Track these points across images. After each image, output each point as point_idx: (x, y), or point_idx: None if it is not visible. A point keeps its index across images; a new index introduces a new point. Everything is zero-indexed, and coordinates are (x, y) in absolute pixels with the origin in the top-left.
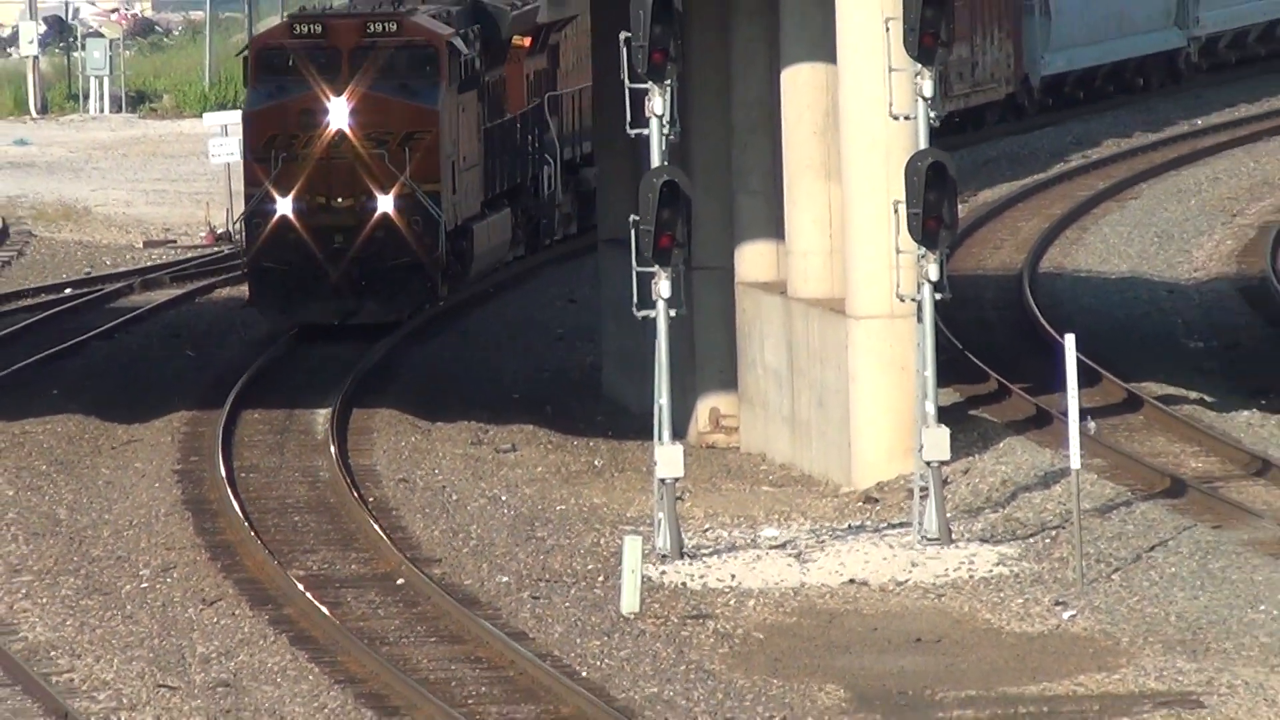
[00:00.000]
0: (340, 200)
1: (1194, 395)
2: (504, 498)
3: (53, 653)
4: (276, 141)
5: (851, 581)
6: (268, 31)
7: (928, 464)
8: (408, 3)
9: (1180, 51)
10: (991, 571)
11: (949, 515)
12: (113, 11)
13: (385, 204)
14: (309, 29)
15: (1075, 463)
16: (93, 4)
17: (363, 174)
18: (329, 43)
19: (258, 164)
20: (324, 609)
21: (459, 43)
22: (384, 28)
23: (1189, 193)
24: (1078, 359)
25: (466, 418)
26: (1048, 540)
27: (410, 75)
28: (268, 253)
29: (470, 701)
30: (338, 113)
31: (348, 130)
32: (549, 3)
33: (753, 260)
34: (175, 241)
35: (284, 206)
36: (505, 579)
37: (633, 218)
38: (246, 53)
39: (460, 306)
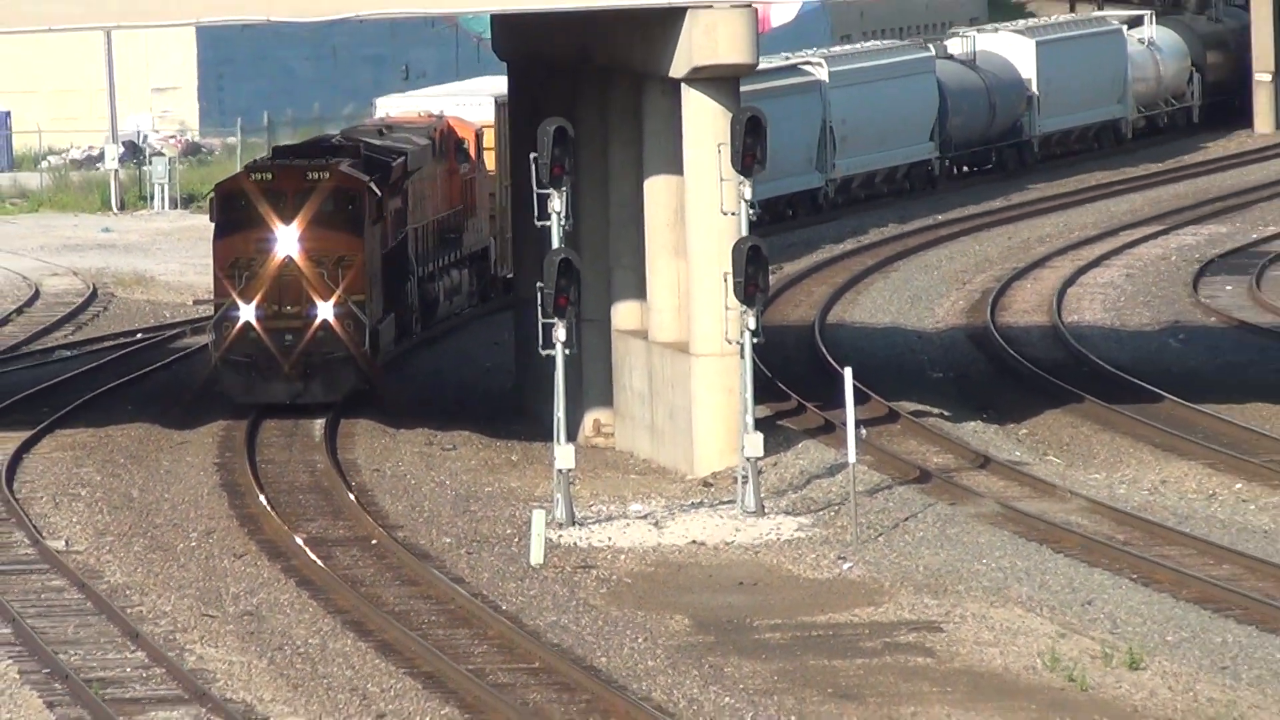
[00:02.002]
0: (290, 308)
1: (936, 410)
2: (447, 482)
3: (128, 592)
4: (239, 263)
5: (694, 542)
6: (230, 178)
7: (747, 459)
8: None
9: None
10: (792, 535)
11: (762, 496)
12: (170, 137)
13: (325, 311)
14: (262, 176)
15: (852, 458)
16: (156, 132)
17: (307, 288)
18: (278, 186)
19: (224, 280)
20: (320, 561)
21: (374, 187)
22: (320, 175)
23: (932, 267)
24: (853, 384)
25: (422, 426)
26: (832, 513)
27: (340, 212)
28: (233, 349)
29: (424, 626)
30: (286, 240)
31: (294, 254)
32: (412, 155)
33: (624, 314)
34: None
35: (247, 313)
36: (448, 540)
37: (539, 284)
38: (213, 194)
39: (409, 353)
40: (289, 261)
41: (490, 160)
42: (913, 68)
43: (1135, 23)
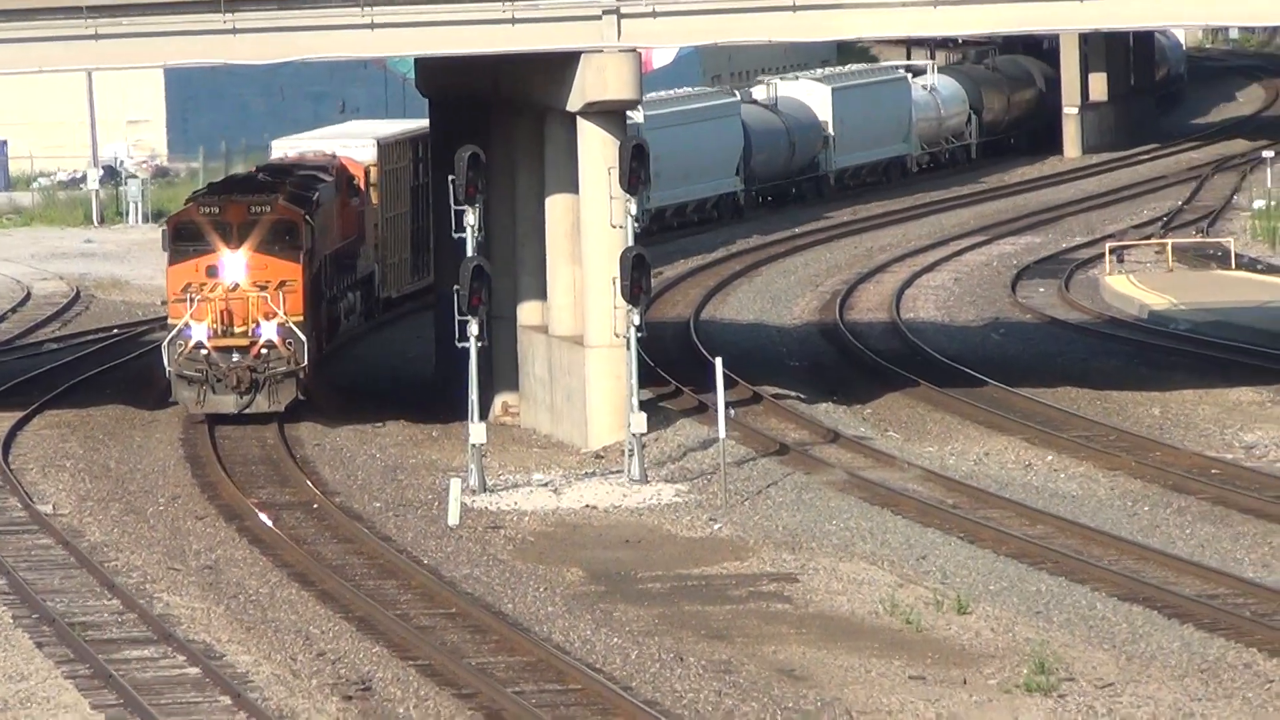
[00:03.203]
0: (237, 328)
1: (793, 393)
2: (378, 455)
3: (105, 548)
4: (190, 288)
5: (587, 506)
6: (180, 211)
7: (633, 435)
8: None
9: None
10: (671, 500)
11: (646, 466)
12: (143, 162)
13: (269, 331)
14: (210, 210)
15: (722, 434)
16: (131, 157)
17: (252, 310)
18: (224, 218)
19: (177, 303)
20: (269, 522)
21: (309, 218)
22: (262, 209)
23: (790, 272)
24: (723, 371)
25: (357, 409)
26: (705, 481)
27: (281, 241)
28: (186, 365)
29: (357, 577)
30: (233, 267)
31: (241, 279)
32: (321, 190)
33: (528, 312)
34: None
35: (199, 333)
36: (378, 504)
37: (455, 287)
38: (165, 227)
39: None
40: (235, 286)
41: (374, 195)
42: (720, 111)
43: (919, 71)
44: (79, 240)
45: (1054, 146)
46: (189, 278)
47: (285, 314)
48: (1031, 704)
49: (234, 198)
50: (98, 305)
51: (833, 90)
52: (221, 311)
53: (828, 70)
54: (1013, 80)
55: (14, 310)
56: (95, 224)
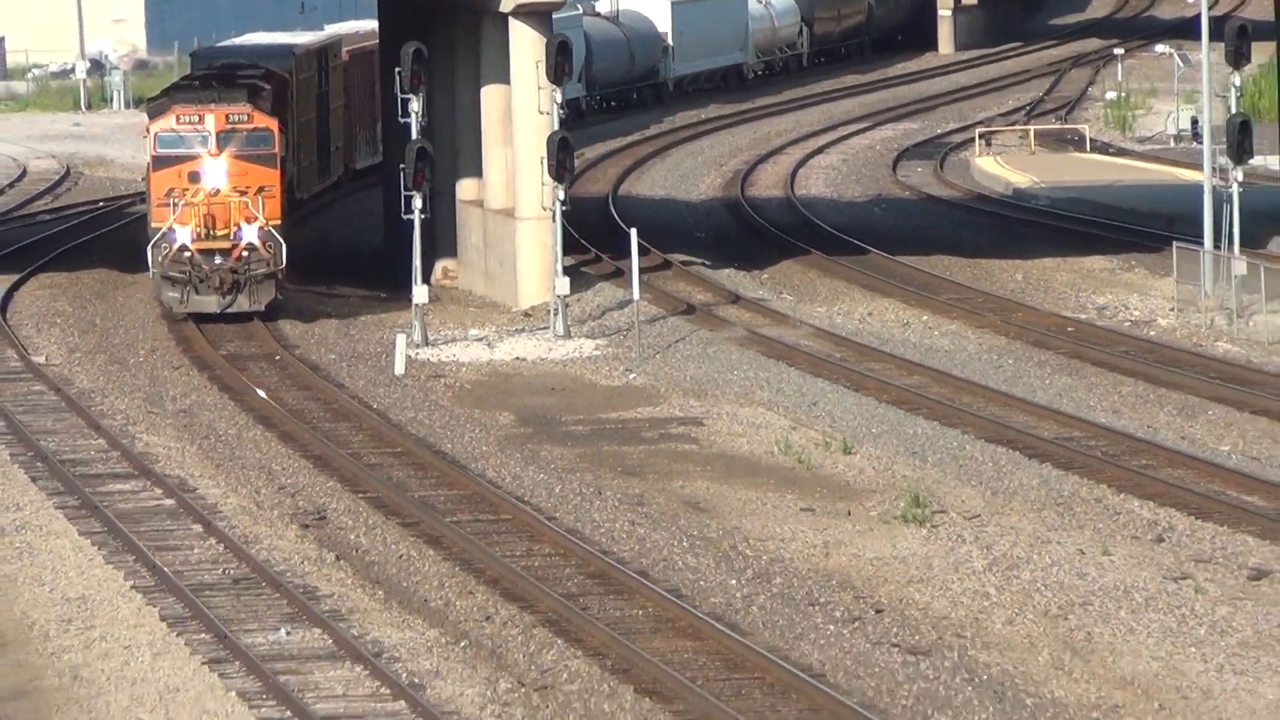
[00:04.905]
0: (219, 232)
1: (700, 260)
2: (333, 314)
3: (92, 395)
4: (173, 193)
5: (517, 358)
6: (162, 119)
7: (558, 296)
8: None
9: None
10: (592, 354)
11: (569, 324)
12: (125, 56)
13: (249, 233)
14: (190, 118)
15: (635, 295)
16: (114, 52)
17: (234, 213)
18: (204, 127)
19: (160, 208)
20: (237, 372)
21: (283, 127)
22: (240, 117)
23: (698, 153)
24: (637, 241)
25: (313, 280)
26: (621, 337)
27: (258, 148)
28: (171, 267)
29: (313, 420)
30: (213, 173)
31: (222, 185)
32: (295, 73)
33: (467, 188)
34: None
35: (183, 236)
36: (333, 356)
37: (402, 165)
38: (148, 134)
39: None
40: (216, 191)
41: (339, 86)
42: (562, 25)
43: None
44: (68, 124)
45: (930, 44)
46: (172, 183)
47: (264, 218)
48: (908, 533)
49: (213, 107)
50: (85, 181)
51: (672, 4)
52: (204, 216)
53: None
54: None
55: (11, 185)
56: (83, 110)
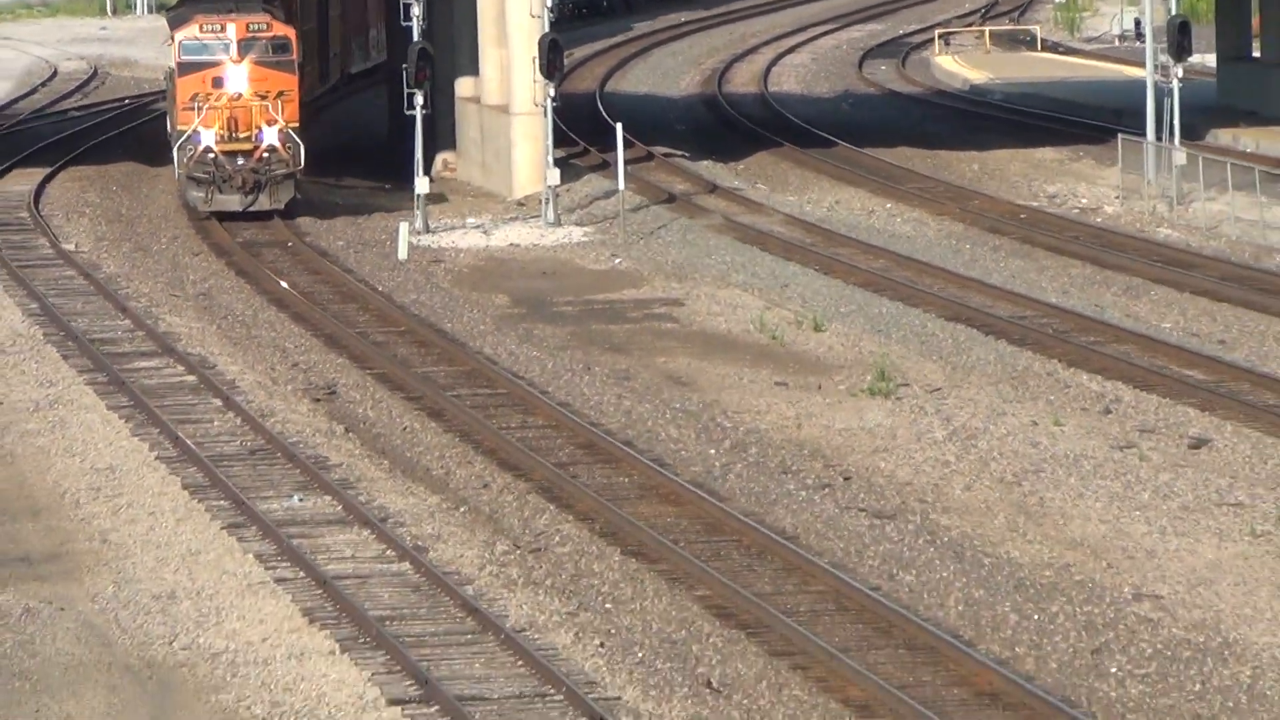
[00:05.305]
0: (242, 134)
1: (680, 153)
2: (340, 204)
3: (118, 279)
4: (198, 97)
5: (512, 244)
6: (186, 28)
7: (549, 186)
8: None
9: None
10: (581, 240)
11: (559, 212)
12: None
13: (270, 136)
14: (213, 27)
15: (620, 185)
16: None
17: (255, 117)
18: (226, 35)
19: (185, 111)
20: (252, 257)
21: (300, 35)
22: (259, 26)
23: (678, 53)
24: (622, 135)
25: (322, 173)
26: (608, 224)
27: (277, 55)
28: (196, 167)
29: (324, 302)
30: (236, 78)
31: (244, 90)
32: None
33: (464, 86)
34: None
35: (207, 138)
36: (341, 243)
37: (404, 65)
38: (172, 41)
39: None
40: (239, 95)
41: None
42: None
43: None
44: (95, 28)
45: None
46: (196, 88)
47: (284, 121)
48: (874, 405)
49: (234, 17)
50: (112, 81)
51: None
52: (228, 119)
53: None
54: None
55: (43, 85)
56: (109, 14)
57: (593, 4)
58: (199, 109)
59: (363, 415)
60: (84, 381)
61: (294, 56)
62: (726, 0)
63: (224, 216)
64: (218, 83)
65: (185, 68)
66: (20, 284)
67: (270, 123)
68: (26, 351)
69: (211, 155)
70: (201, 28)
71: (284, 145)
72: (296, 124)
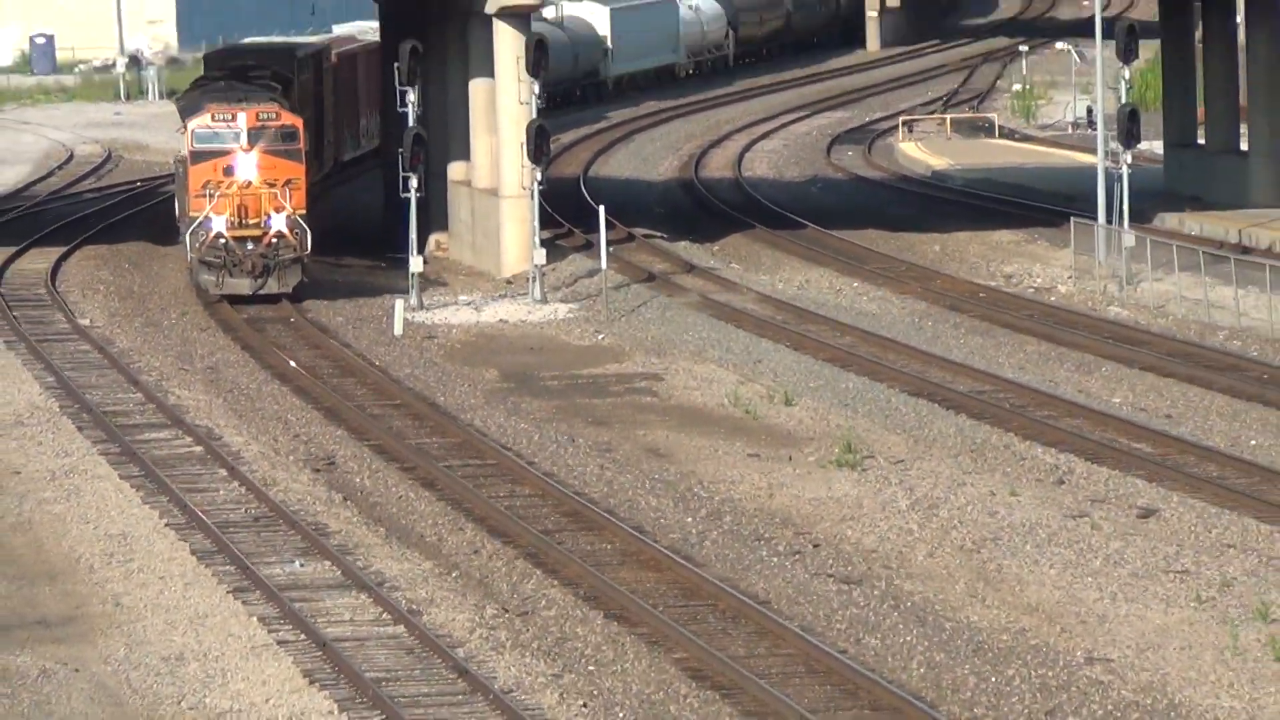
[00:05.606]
0: (251, 220)
1: (659, 234)
2: (340, 281)
3: (130, 353)
4: (209, 185)
5: (501, 320)
6: (198, 117)
7: (536, 266)
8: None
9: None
10: (565, 317)
11: (545, 290)
12: (159, 53)
13: (279, 222)
14: (224, 117)
15: (603, 265)
16: (149, 48)
17: (264, 204)
18: (237, 125)
19: (197, 198)
20: (257, 333)
21: (307, 125)
22: (269, 115)
23: (657, 139)
24: (605, 217)
25: (322, 252)
26: (591, 302)
27: (285, 144)
28: (208, 252)
29: (324, 376)
30: (246, 167)
31: (253, 178)
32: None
33: (456, 170)
34: None
35: (218, 224)
36: (340, 319)
37: (399, 150)
38: (185, 130)
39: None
40: (249, 183)
41: (330, 86)
42: None
43: None
44: (110, 113)
45: (860, 42)
46: (208, 176)
47: (292, 208)
48: (841, 476)
49: (244, 106)
50: (125, 164)
51: (611, 10)
52: (238, 205)
53: None
54: (766, 3)
55: (60, 167)
56: (122, 100)
57: (565, 93)
58: (210, 196)
59: (360, 485)
60: (98, 452)
61: (301, 145)
62: (696, 89)
63: (233, 299)
64: (228, 170)
65: (197, 156)
66: (38, 358)
67: (279, 209)
68: (44, 423)
69: (223, 240)
70: (213, 116)
71: (292, 231)
72: (304, 210)
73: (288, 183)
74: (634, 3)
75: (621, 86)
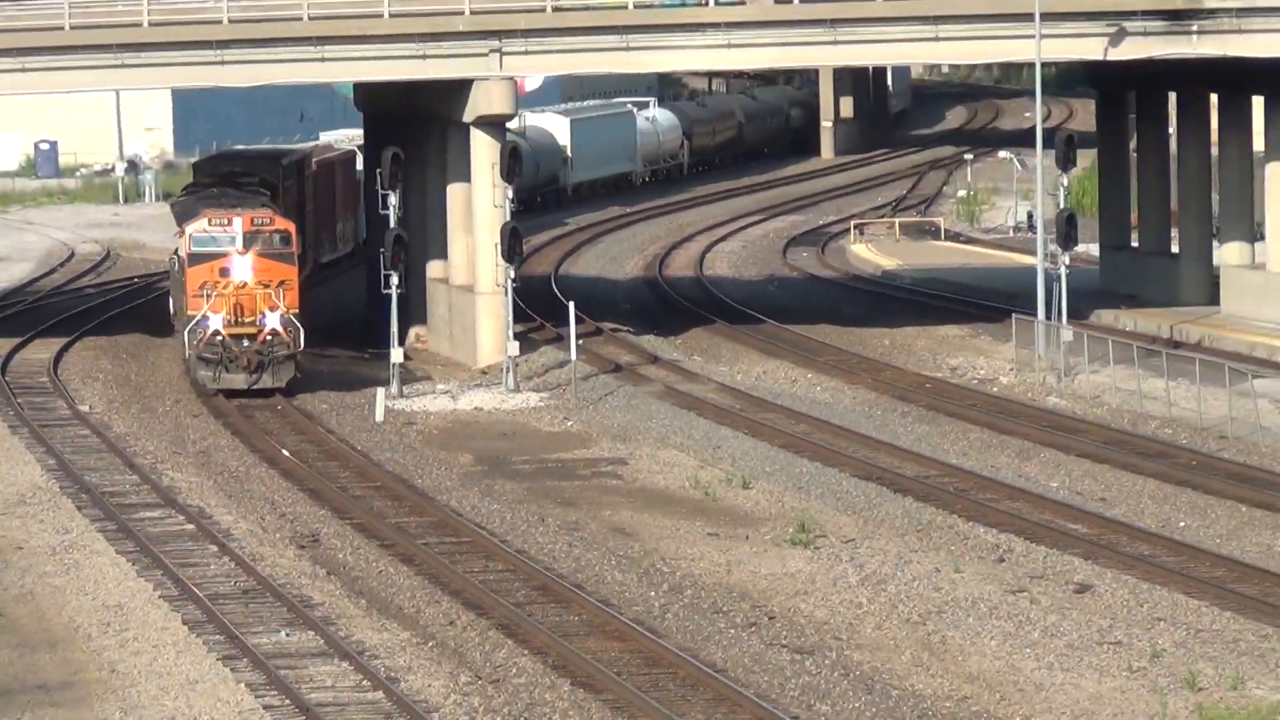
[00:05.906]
0: (247, 318)
1: (626, 328)
2: (325, 370)
3: (127, 438)
4: (206, 286)
5: (476, 408)
6: (195, 222)
7: (509, 357)
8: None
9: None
10: (537, 405)
11: (518, 380)
12: (155, 158)
13: (273, 321)
14: (221, 221)
15: (573, 357)
16: (147, 154)
17: (259, 304)
18: (232, 229)
19: (195, 298)
20: (246, 419)
21: (300, 229)
22: (263, 220)
23: (623, 240)
24: (575, 312)
25: (308, 345)
26: (561, 390)
27: (279, 247)
28: (205, 349)
29: (309, 459)
30: (241, 268)
31: (249, 279)
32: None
33: (434, 268)
34: None
35: (215, 323)
36: (325, 406)
37: (381, 250)
38: (182, 233)
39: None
40: (244, 284)
41: (310, 192)
42: None
43: (644, 105)
44: (109, 214)
45: (815, 150)
46: (205, 277)
47: (285, 307)
48: (795, 554)
49: (240, 211)
50: (123, 261)
51: (571, 121)
52: (234, 305)
53: (569, 105)
54: (719, 115)
55: (62, 265)
56: (121, 202)
57: (528, 200)
58: (208, 295)
59: (343, 560)
60: (96, 529)
61: (294, 249)
62: (652, 196)
63: (229, 393)
64: (224, 272)
65: (195, 258)
66: (40, 442)
67: (273, 308)
68: (45, 502)
69: (219, 338)
70: (210, 221)
71: (285, 329)
72: (297, 309)
73: (281, 284)
74: (593, 114)
75: (580, 193)
